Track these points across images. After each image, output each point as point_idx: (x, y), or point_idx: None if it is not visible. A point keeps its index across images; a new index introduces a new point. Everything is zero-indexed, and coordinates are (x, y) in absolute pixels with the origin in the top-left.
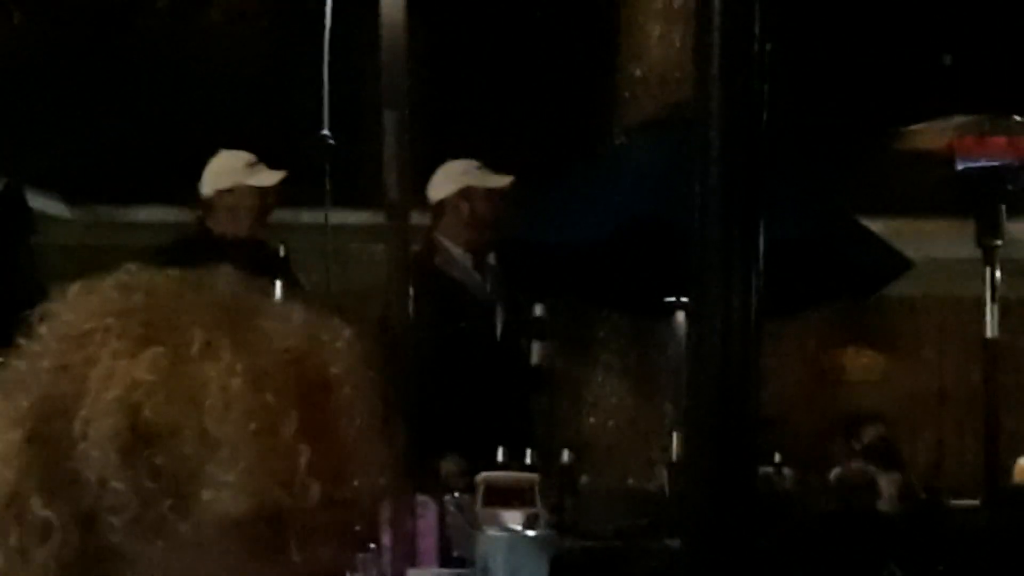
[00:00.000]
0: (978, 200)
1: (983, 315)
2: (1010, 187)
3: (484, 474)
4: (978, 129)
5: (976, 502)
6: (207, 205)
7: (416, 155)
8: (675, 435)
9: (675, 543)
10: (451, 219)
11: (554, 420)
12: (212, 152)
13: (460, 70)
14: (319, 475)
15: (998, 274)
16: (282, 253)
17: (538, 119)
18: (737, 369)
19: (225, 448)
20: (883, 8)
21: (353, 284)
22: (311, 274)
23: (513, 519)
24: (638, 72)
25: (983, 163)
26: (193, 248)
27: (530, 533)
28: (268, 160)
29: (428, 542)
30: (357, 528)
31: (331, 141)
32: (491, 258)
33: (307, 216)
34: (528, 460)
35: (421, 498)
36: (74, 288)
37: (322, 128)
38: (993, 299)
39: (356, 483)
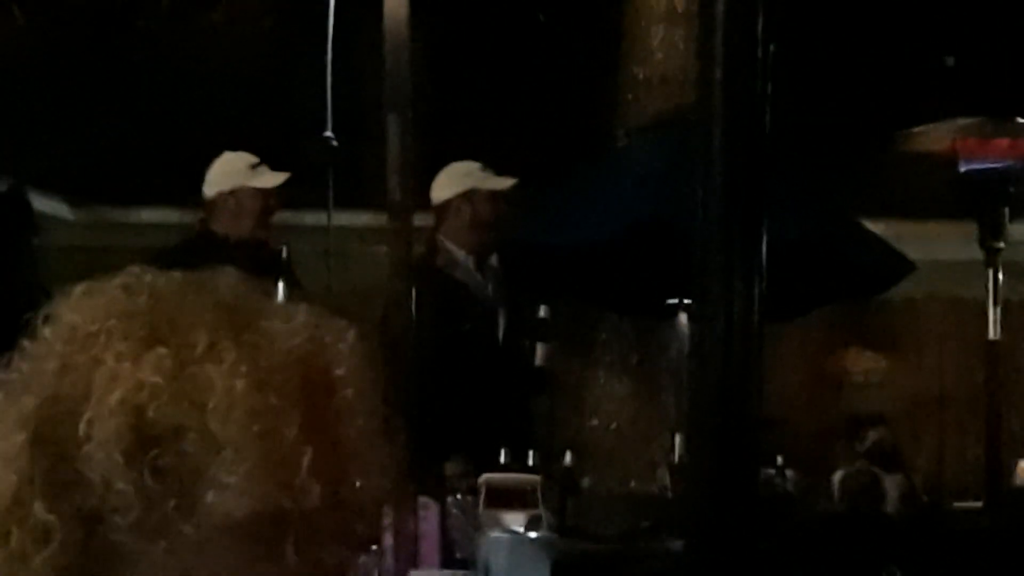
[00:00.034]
0: (981, 202)
1: (985, 317)
2: (1013, 189)
3: (486, 476)
4: (981, 131)
5: (978, 504)
6: (210, 207)
7: (419, 157)
8: (677, 437)
9: (677, 545)
10: (453, 221)
11: (556, 422)
12: (215, 153)
13: (463, 72)
14: (321, 476)
15: (1000, 276)
16: (284, 254)
17: (541, 121)
18: (739, 371)
19: (229, 449)
20: (886, 10)
21: (355, 285)
22: (313, 275)
23: (515, 521)
24: (640, 74)
25: (986, 165)
26: (196, 250)
27: (532, 535)
28: (271, 162)
29: (430, 544)
30: (359, 529)
31: (334, 143)
32: (493, 259)
33: (310, 217)
34: (530, 462)
35: (423, 499)
36: (77, 290)
37: (325, 130)
38: (995, 301)
39: (358, 484)
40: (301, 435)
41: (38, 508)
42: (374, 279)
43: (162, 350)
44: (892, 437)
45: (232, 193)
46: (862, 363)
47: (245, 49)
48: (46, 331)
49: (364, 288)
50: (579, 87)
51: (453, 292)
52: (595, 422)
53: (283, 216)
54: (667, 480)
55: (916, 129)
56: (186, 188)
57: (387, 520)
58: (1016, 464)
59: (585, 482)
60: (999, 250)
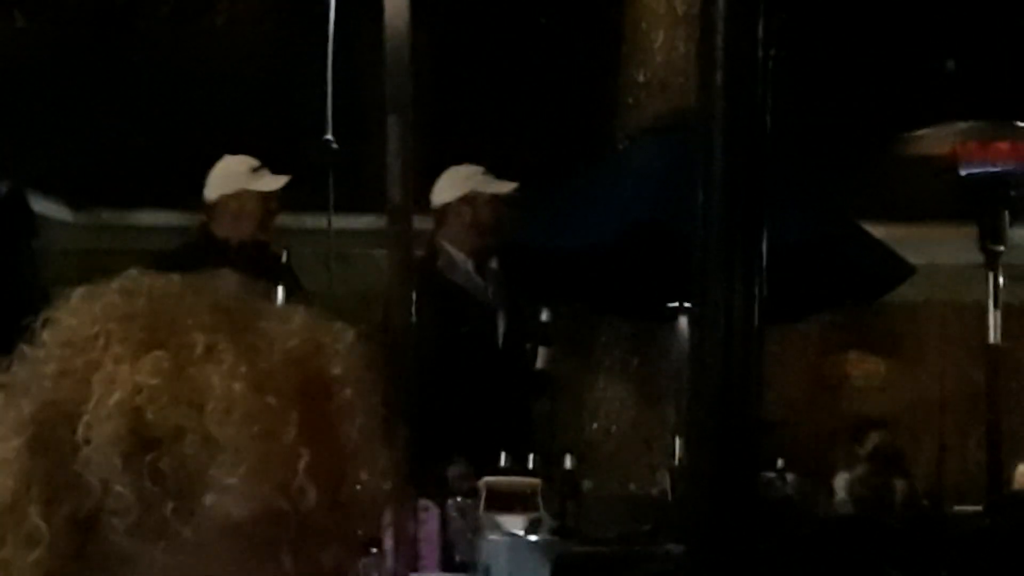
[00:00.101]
0: (981, 205)
1: (986, 321)
2: (1013, 193)
3: (487, 479)
4: (982, 134)
5: (978, 508)
6: (211, 210)
7: (419, 160)
8: (677, 440)
9: (677, 548)
10: (454, 224)
11: (556, 425)
12: (216, 156)
13: (464, 75)
14: (320, 477)
15: (1001, 280)
16: (285, 257)
17: (541, 124)
18: (740, 374)
19: (227, 451)
20: (887, 13)
21: (355, 288)
22: (314, 278)
23: (516, 524)
24: (641, 77)
25: (986, 168)
26: (198, 253)
27: (533, 538)
28: (272, 165)
29: (430, 546)
30: (358, 531)
31: (334, 145)
32: (494, 263)
33: (310, 220)
34: (530, 465)
35: (423, 502)
36: (76, 293)
37: (325, 132)
38: (996, 305)
39: (357, 486)
40: (300, 437)
41: (33, 513)
42: (374, 282)
43: (160, 352)
44: (892, 441)
45: (233, 196)
46: (862, 367)
47: (245, 52)
48: (45, 335)
49: (365, 291)
50: (579, 90)
51: (453, 295)
52: (595, 425)
53: (284, 219)
54: (667, 483)
55: (917, 132)
56: (187, 191)
57: (387, 522)
58: (1016, 468)
59: (585, 485)
60: (999, 254)
